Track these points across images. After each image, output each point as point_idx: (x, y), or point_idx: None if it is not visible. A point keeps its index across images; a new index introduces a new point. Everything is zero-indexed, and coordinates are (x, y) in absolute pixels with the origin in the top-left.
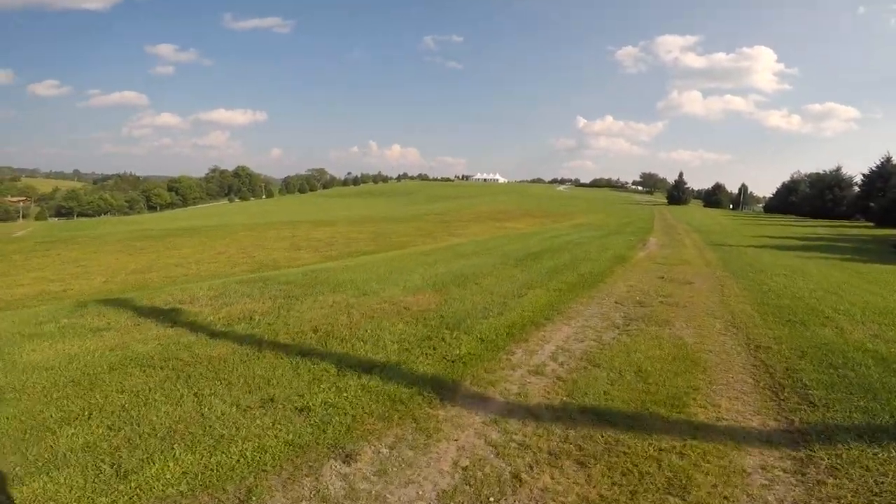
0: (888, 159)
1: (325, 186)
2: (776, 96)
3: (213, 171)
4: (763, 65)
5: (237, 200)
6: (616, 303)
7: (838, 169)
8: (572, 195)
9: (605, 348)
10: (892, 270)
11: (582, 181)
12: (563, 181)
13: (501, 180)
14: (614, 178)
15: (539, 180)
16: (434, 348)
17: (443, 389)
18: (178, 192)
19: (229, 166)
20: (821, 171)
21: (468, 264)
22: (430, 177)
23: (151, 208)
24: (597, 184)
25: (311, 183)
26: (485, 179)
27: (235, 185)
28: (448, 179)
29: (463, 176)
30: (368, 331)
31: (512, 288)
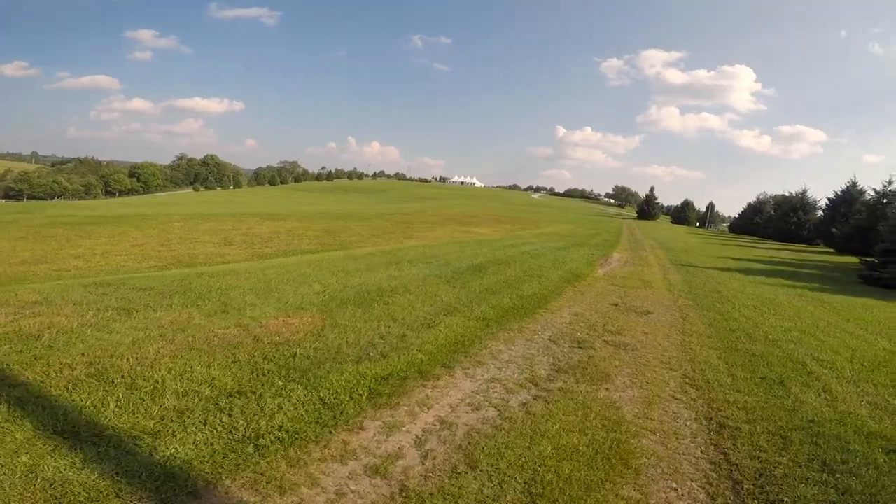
0: (853, 184)
1: (296, 180)
2: (750, 116)
3: (180, 158)
4: (742, 84)
5: (202, 190)
6: (550, 340)
7: (804, 192)
8: (546, 204)
9: (502, 427)
10: (865, 305)
11: (557, 190)
12: (538, 189)
13: (478, 184)
14: (589, 189)
15: (515, 187)
16: (230, 413)
17: (181, 496)
18: (140, 179)
19: (201, 154)
20: (787, 193)
21: (393, 275)
22: (408, 176)
23: (109, 194)
24: (571, 194)
25: (282, 175)
26: (462, 182)
27: (203, 173)
28: (425, 180)
29: (440, 178)
30: (162, 373)
31: (426, 312)
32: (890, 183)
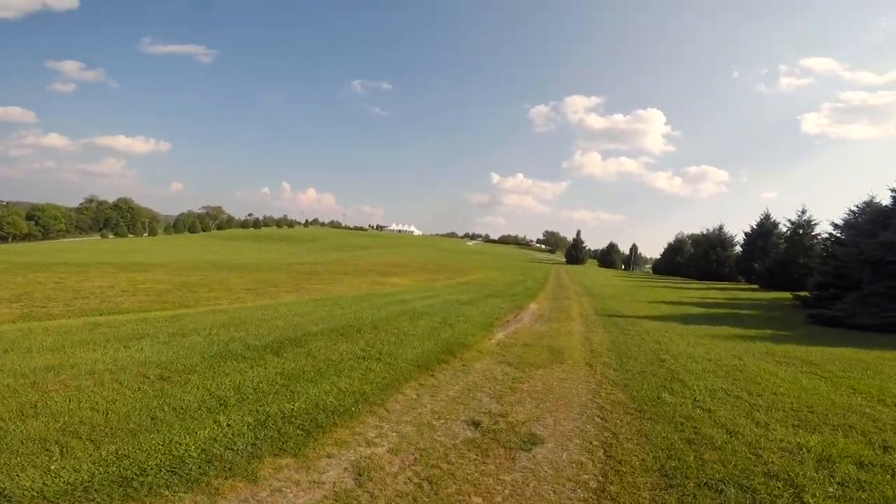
0: (766, 217)
1: (220, 227)
2: (662, 157)
3: (90, 200)
4: (654, 127)
5: (111, 237)
6: None
7: (720, 228)
8: (480, 251)
9: None
10: (855, 360)
11: (492, 237)
12: (474, 237)
13: (416, 232)
14: (521, 235)
15: (453, 234)
16: None
17: None
18: (39, 223)
19: (117, 197)
20: (703, 231)
21: (114, 357)
22: (343, 224)
23: (2, 239)
24: (504, 240)
25: (203, 222)
26: (400, 230)
27: (114, 218)
28: (362, 228)
29: (378, 226)
30: None
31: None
32: (803, 213)
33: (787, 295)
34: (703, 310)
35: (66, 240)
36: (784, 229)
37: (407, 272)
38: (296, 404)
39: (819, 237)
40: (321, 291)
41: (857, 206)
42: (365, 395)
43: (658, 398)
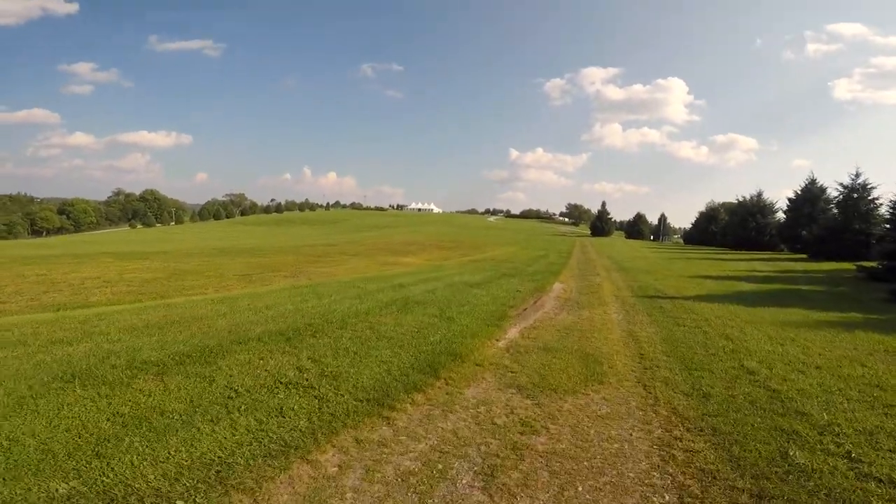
0: (813, 181)
1: (243, 213)
2: (686, 128)
3: (117, 194)
4: (676, 96)
5: (139, 227)
6: None
7: (759, 194)
8: (500, 226)
9: None
10: None
11: (513, 212)
12: (494, 212)
13: (436, 210)
14: (543, 209)
15: (473, 211)
16: None
17: None
18: (70, 217)
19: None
20: (739, 199)
21: None
22: (364, 206)
23: (36, 233)
24: (526, 215)
25: (228, 209)
26: (419, 209)
27: (142, 209)
28: (381, 209)
29: (398, 205)
30: None
31: None
32: (857, 176)
33: (847, 266)
34: (756, 286)
35: (96, 232)
36: (836, 193)
37: (422, 250)
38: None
39: (877, 201)
40: (322, 275)
41: None
42: (232, 469)
43: (784, 461)
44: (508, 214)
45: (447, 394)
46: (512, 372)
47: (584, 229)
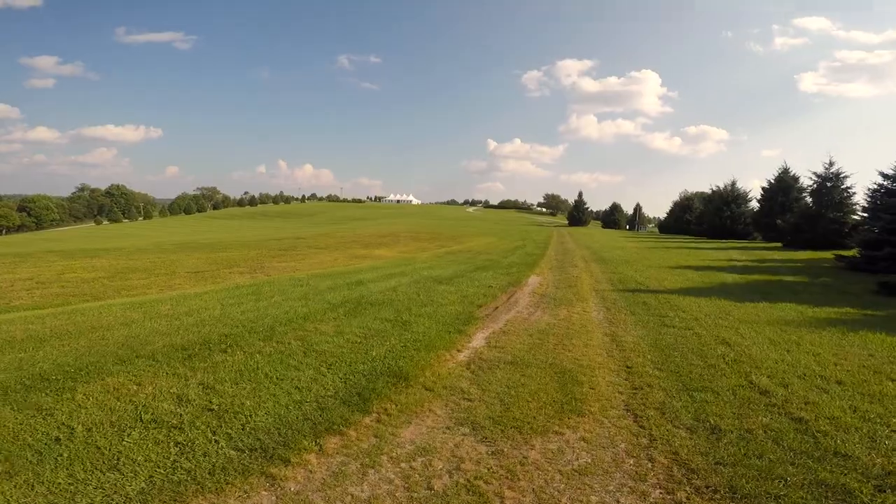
0: (786, 170)
1: (215, 207)
2: (660, 119)
3: (81, 189)
4: (649, 88)
5: (106, 223)
6: None
7: (733, 183)
8: (479, 217)
9: None
10: None
11: (492, 203)
12: (473, 203)
13: (415, 202)
14: (521, 199)
15: (453, 202)
16: None
17: None
18: (31, 214)
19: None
20: (713, 188)
21: None
22: (342, 198)
23: None
24: (504, 205)
25: (199, 203)
26: (398, 201)
27: (108, 205)
28: (359, 200)
29: (376, 197)
30: None
31: None
32: (831, 165)
33: (824, 255)
34: (739, 276)
35: (59, 229)
36: (810, 182)
37: (396, 242)
38: None
39: (850, 190)
40: (281, 270)
41: None
42: None
43: None
44: (487, 205)
45: (376, 436)
46: (469, 400)
47: (562, 219)
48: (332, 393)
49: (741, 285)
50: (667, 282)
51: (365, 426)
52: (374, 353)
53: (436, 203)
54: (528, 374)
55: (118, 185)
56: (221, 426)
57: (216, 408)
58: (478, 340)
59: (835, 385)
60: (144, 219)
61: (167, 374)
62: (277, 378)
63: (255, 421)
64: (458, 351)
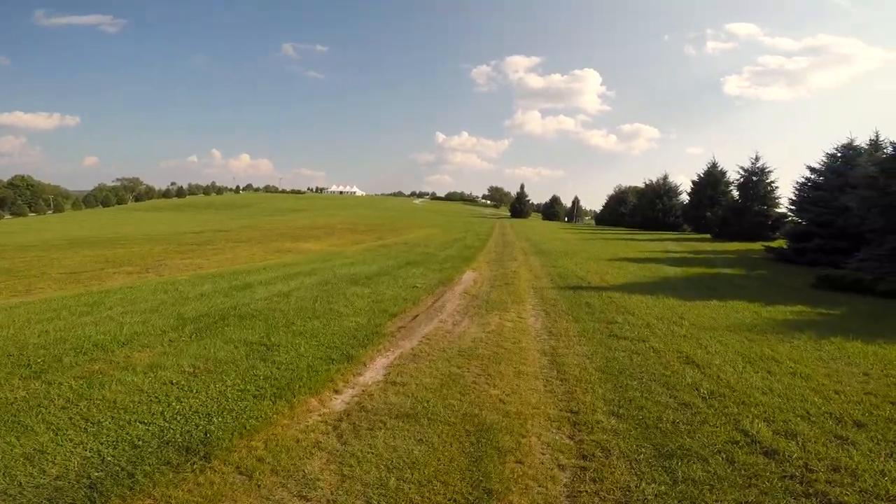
0: (714, 165)
1: (138, 199)
2: (598, 116)
3: None
4: (590, 86)
5: (7, 217)
6: None
7: (665, 178)
8: (426, 209)
9: None
10: None
11: (439, 195)
12: (421, 195)
13: (359, 193)
14: (467, 192)
15: (400, 193)
16: None
17: None
18: None
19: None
20: (647, 182)
21: None
22: (280, 189)
23: None
24: (451, 197)
25: (119, 195)
26: (341, 192)
27: (10, 197)
28: (299, 192)
29: (317, 188)
30: None
31: None
32: (756, 160)
33: (752, 246)
34: (679, 269)
35: None
36: (737, 176)
37: (330, 235)
38: None
39: (774, 184)
40: (181, 268)
41: (837, 149)
42: None
43: None
44: (434, 197)
45: None
46: None
47: (505, 211)
48: (47, 485)
49: (684, 279)
50: (609, 276)
51: None
52: (184, 405)
53: (382, 195)
54: (427, 437)
55: (23, 177)
56: None
57: None
58: (373, 372)
59: (853, 430)
60: (54, 212)
61: None
62: None
63: None
64: (336, 393)
